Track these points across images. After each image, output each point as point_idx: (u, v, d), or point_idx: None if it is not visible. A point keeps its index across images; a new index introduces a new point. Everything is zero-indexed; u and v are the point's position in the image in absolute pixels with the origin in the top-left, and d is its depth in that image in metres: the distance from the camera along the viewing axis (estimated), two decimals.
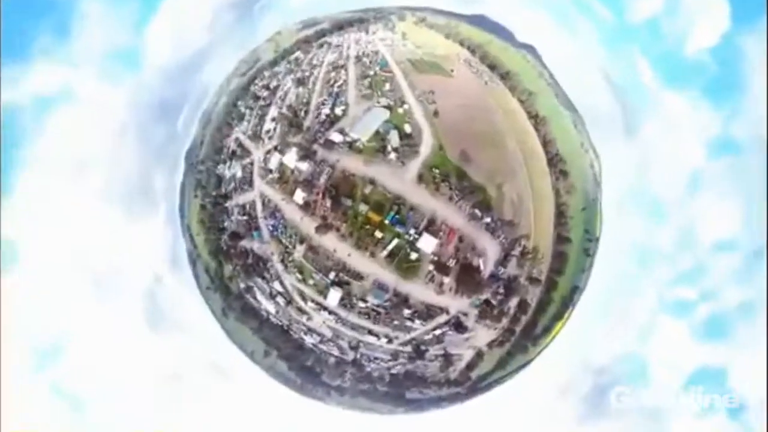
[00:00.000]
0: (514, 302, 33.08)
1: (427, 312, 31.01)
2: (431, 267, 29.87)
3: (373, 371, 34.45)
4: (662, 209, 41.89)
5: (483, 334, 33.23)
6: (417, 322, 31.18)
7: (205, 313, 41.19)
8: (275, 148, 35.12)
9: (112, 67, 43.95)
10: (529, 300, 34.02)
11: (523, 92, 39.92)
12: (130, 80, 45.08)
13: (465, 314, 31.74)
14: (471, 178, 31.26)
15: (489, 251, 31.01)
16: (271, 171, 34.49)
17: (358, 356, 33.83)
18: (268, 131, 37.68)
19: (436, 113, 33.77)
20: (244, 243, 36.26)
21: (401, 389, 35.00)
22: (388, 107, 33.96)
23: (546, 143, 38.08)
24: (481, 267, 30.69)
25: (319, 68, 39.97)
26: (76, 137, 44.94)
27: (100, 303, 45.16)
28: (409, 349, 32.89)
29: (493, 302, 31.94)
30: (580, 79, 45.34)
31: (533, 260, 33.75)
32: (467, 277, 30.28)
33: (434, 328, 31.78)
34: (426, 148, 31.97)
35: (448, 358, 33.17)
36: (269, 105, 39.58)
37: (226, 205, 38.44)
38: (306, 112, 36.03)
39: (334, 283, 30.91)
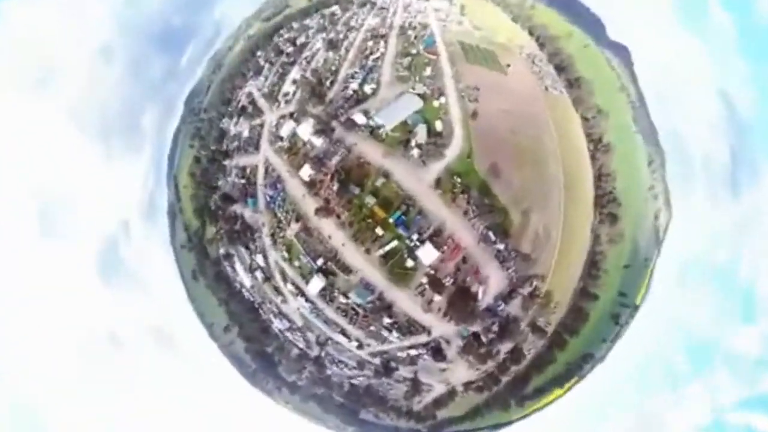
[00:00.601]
0: (506, 346, 42.44)
1: (408, 327, 41.36)
2: (425, 280, 39.56)
3: (333, 375, 46.04)
4: (753, 301, 43.82)
5: (461, 371, 43.12)
6: (394, 334, 41.73)
7: (172, 272, 55.92)
8: (291, 114, 47.51)
9: None
10: (525, 350, 43.33)
11: (590, 108, 47.82)
12: None
13: (447, 341, 41.80)
14: (494, 196, 40.15)
15: (492, 281, 40.05)
16: (281, 138, 46.97)
17: (323, 354, 45.83)
18: (286, 94, 50.57)
19: (474, 114, 43.38)
20: (236, 208, 49.37)
21: (357, 405, 46.13)
22: (423, 96, 44.18)
23: (601, 176, 46.10)
24: (479, 296, 39.95)
25: (357, 32, 51.70)
26: (40, 42, 57.27)
27: (42, 238, 59.23)
28: (377, 361, 43.84)
29: (483, 339, 41.38)
30: (681, 101, 48.87)
31: (543, 307, 42.66)
32: (461, 303, 39.42)
33: (410, 347, 42.14)
34: (453, 151, 41.23)
35: (416, 385, 43.70)
36: (292, 63, 52.35)
37: (225, 163, 51.82)
38: (332, 82, 47.99)
39: (320, 270, 42.04)
